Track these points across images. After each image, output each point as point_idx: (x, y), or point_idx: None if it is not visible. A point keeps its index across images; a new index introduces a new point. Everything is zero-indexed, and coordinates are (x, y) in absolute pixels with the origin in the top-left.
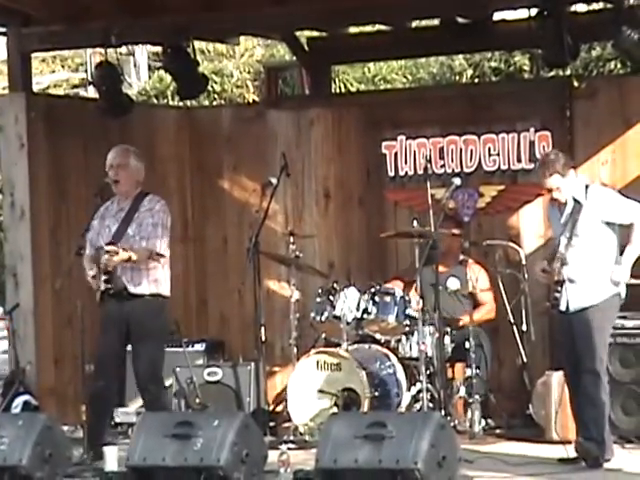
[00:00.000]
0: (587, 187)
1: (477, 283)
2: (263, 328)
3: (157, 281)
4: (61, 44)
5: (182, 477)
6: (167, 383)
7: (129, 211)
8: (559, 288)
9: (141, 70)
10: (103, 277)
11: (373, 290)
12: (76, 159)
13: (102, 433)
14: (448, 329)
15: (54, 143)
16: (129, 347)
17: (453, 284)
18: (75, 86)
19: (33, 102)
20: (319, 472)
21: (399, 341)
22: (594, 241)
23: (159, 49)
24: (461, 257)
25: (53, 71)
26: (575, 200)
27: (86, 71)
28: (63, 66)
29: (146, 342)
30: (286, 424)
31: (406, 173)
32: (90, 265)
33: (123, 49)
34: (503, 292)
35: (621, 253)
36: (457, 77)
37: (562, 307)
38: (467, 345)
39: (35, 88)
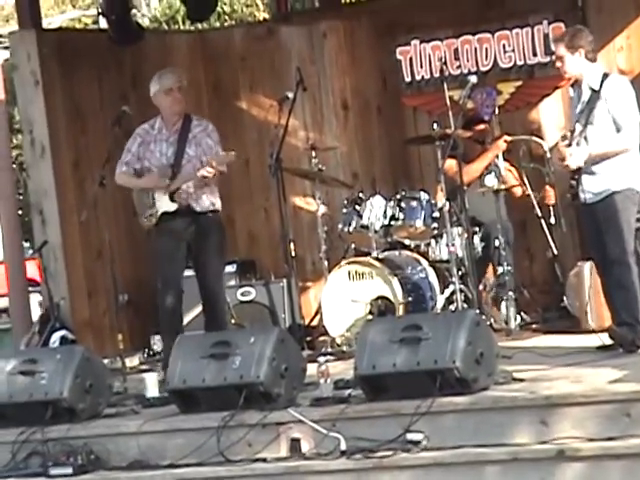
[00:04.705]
0: (605, 76)
1: (507, 179)
2: (292, 244)
3: (214, 197)
4: None
5: (223, 396)
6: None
7: (181, 133)
8: (575, 177)
9: (152, 2)
10: (167, 197)
11: (399, 196)
12: (91, 91)
13: None
14: (477, 228)
15: (68, 77)
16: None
17: (490, 181)
18: (87, 24)
19: (44, 38)
20: (359, 379)
21: (428, 245)
22: (610, 131)
23: None
24: None
25: (64, 11)
26: (591, 89)
27: (97, 8)
28: (74, 5)
29: (213, 256)
30: (322, 337)
31: (422, 77)
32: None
33: None
34: (529, 187)
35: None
36: None
37: (582, 199)
38: (496, 243)
39: None
